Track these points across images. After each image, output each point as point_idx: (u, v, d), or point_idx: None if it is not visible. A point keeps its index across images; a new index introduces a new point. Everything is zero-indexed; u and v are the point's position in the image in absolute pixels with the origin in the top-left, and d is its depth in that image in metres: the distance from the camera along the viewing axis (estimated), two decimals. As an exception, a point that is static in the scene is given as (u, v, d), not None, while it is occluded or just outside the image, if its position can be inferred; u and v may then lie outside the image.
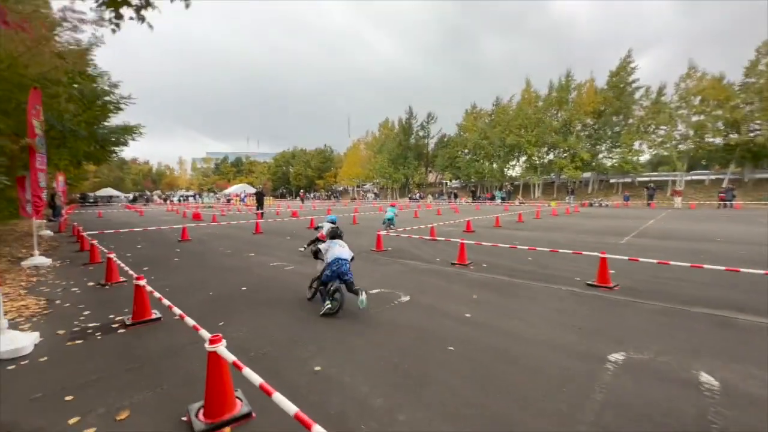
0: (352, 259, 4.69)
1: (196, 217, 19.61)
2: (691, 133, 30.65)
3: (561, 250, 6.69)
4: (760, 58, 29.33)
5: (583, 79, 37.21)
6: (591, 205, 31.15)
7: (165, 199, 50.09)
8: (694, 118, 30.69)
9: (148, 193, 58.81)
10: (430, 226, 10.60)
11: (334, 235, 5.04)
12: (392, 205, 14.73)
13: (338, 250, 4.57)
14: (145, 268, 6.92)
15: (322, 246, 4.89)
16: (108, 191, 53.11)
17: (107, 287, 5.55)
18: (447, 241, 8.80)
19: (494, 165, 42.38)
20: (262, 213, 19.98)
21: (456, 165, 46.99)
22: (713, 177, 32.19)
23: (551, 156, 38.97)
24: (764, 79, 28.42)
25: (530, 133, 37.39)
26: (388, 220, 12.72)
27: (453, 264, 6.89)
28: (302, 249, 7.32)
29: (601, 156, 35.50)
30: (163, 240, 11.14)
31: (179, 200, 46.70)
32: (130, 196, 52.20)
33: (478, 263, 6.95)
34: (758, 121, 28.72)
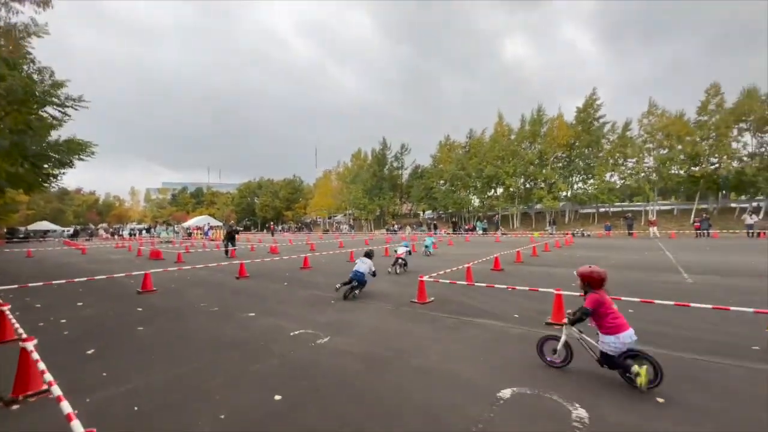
0: (374, 273, 7.29)
1: (155, 255, 16.40)
2: (657, 165, 32.21)
3: (694, 304, 5.05)
4: (710, 98, 31.91)
5: (552, 114, 38.70)
6: (574, 235, 31.09)
7: (113, 234, 44.47)
8: (662, 152, 32.39)
9: (92, 226, 52.31)
10: (466, 266, 8.77)
11: (366, 254, 7.55)
12: (430, 236, 18.17)
13: (359, 264, 7.07)
14: (90, 351, 4.38)
15: (357, 260, 7.35)
16: (43, 225, 46.44)
17: (15, 407, 3.05)
18: (489, 287, 6.93)
19: (473, 196, 42.27)
20: (234, 249, 17.20)
21: (432, 196, 46.46)
22: (681, 207, 33.71)
23: (527, 186, 39.49)
24: (715, 117, 30.78)
25: (508, 164, 37.76)
26: (426, 247, 15.20)
27: (548, 323, 5.04)
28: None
29: (576, 187, 36.27)
30: (116, 291, 8.33)
31: (130, 234, 41.51)
32: (70, 230, 45.87)
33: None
34: (716, 156, 30.76)
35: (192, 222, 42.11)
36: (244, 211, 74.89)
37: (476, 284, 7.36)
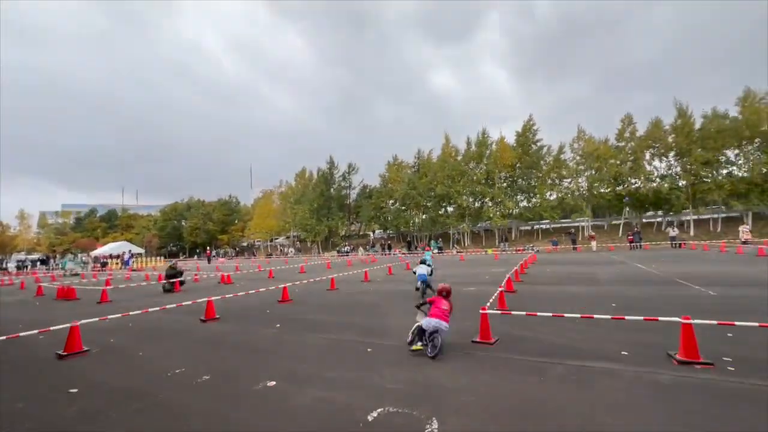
0: (431, 273, 9.23)
1: (66, 294, 12.59)
2: (589, 184, 35.55)
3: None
4: (625, 127, 36.37)
5: (495, 137, 40.95)
6: (525, 250, 32.41)
7: (-8, 268, 35.40)
8: (588, 173, 35.82)
9: (-40, 259, 41.33)
10: (499, 290, 7.64)
11: (422, 261, 9.82)
12: (427, 250, 18.03)
13: (420, 269, 9.18)
14: None
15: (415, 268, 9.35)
16: None
17: None
18: (531, 315, 5.83)
19: (424, 215, 42.40)
20: (181, 282, 14.05)
21: (383, 215, 45.85)
22: (609, 222, 37.38)
23: (477, 205, 40.81)
24: (630, 144, 35.02)
25: (458, 183, 38.65)
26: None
27: (683, 362, 4.02)
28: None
29: (522, 205, 38.25)
30: (21, 358, 5.57)
31: (19, 267, 33.31)
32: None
33: (711, 356, 4.15)
34: (635, 177, 34.81)
35: (105, 249, 35.46)
36: (169, 235, 66.63)
37: (514, 312, 6.19)
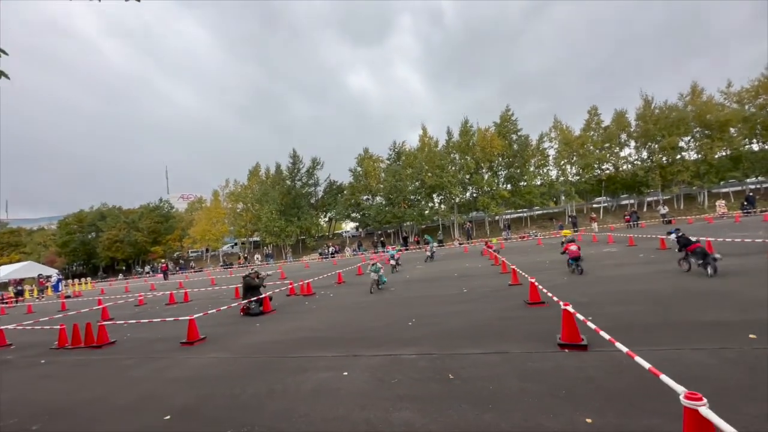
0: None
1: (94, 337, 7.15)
2: (573, 171, 37.28)
3: None
4: (592, 117, 38.97)
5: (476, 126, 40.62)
6: (529, 236, 32.33)
7: None
8: (566, 160, 37.52)
9: None
10: None
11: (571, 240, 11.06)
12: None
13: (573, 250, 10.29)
14: None
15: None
16: None
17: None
18: None
19: (412, 208, 40.02)
20: (270, 297, 9.31)
21: (362, 212, 42.39)
22: (587, 206, 39.74)
23: (467, 195, 39.93)
24: (599, 133, 37.60)
25: (448, 173, 37.19)
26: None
27: None
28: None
29: (514, 192, 38.25)
30: None
31: None
32: None
33: None
34: (611, 162, 37.42)
35: (7, 273, 25.39)
36: (76, 252, 53.01)
37: None
